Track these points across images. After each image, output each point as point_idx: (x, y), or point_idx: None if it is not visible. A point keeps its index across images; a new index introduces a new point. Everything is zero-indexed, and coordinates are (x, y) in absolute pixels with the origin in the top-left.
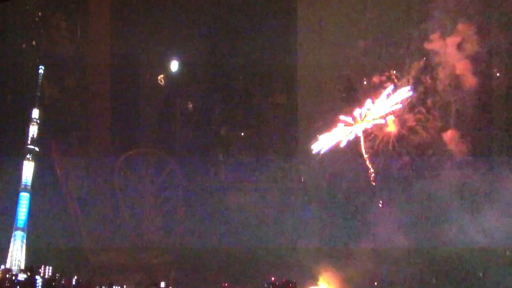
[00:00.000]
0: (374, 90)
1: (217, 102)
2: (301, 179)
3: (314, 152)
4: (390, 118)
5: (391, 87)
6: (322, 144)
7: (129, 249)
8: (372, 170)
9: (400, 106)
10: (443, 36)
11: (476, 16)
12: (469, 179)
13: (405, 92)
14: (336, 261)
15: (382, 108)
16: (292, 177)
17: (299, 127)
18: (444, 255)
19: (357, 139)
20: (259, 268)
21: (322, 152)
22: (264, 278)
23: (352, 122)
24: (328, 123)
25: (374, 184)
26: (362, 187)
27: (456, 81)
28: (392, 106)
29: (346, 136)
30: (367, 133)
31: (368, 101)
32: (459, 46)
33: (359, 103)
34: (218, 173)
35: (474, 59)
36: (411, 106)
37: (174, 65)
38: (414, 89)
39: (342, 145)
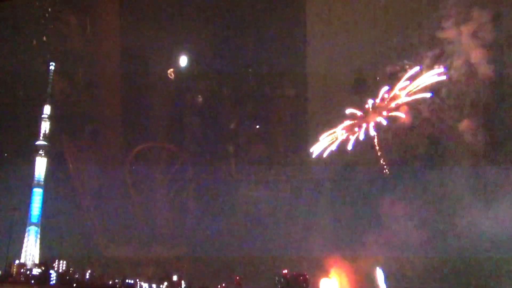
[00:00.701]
0: (388, 81)
1: (226, 96)
2: (312, 172)
3: (314, 156)
4: (404, 109)
5: (416, 68)
6: (323, 145)
7: (142, 243)
8: (384, 162)
9: (429, 95)
10: (459, 26)
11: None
12: (484, 170)
13: (433, 77)
14: (347, 253)
15: (401, 98)
16: (303, 171)
17: (310, 121)
18: (457, 249)
19: (367, 137)
20: (271, 261)
21: (325, 155)
22: (276, 271)
23: (363, 114)
24: (339, 117)
25: (386, 175)
26: (374, 180)
27: (472, 71)
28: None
29: (355, 133)
30: (379, 125)
31: (381, 92)
32: (475, 35)
33: (372, 94)
34: (229, 167)
35: (490, 48)
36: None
37: (184, 60)
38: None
39: (349, 146)
